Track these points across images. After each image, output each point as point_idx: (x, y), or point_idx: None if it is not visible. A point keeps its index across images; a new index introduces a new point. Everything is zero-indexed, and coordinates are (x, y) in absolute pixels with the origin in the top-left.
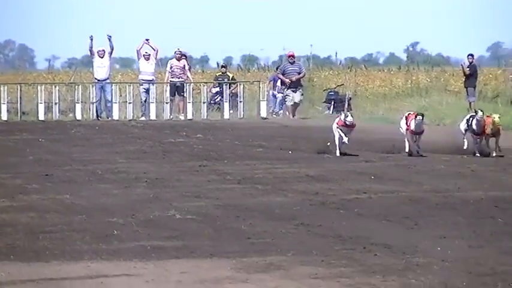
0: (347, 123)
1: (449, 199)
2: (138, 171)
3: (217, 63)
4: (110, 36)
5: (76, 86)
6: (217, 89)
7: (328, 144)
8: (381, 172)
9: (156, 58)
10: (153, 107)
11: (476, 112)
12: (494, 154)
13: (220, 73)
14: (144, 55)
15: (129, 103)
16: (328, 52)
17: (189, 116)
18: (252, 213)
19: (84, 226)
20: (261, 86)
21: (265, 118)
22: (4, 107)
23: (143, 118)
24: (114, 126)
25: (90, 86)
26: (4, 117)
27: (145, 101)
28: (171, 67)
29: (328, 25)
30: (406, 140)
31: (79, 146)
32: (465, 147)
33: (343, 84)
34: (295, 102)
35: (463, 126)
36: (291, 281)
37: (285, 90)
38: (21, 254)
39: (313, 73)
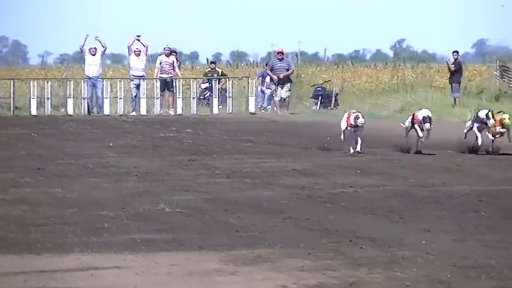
0: (358, 124)
1: (435, 193)
2: (129, 166)
3: (207, 60)
4: (97, 37)
5: (68, 82)
6: (207, 84)
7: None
8: (367, 166)
9: (146, 54)
10: (143, 102)
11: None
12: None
13: (210, 69)
14: (134, 51)
15: (120, 98)
16: (316, 49)
17: (179, 111)
18: (240, 207)
19: (75, 219)
20: (249, 81)
21: (253, 113)
22: None
23: (134, 113)
24: (105, 121)
25: (82, 81)
26: None
27: (135, 96)
28: (160, 63)
29: (316, 22)
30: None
31: (71, 140)
32: (479, 143)
33: (330, 80)
34: (282, 98)
35: (473, 125)
36: (278, 273)
37: (273, 86)
38: (13, 246)
39: (301, 69)
